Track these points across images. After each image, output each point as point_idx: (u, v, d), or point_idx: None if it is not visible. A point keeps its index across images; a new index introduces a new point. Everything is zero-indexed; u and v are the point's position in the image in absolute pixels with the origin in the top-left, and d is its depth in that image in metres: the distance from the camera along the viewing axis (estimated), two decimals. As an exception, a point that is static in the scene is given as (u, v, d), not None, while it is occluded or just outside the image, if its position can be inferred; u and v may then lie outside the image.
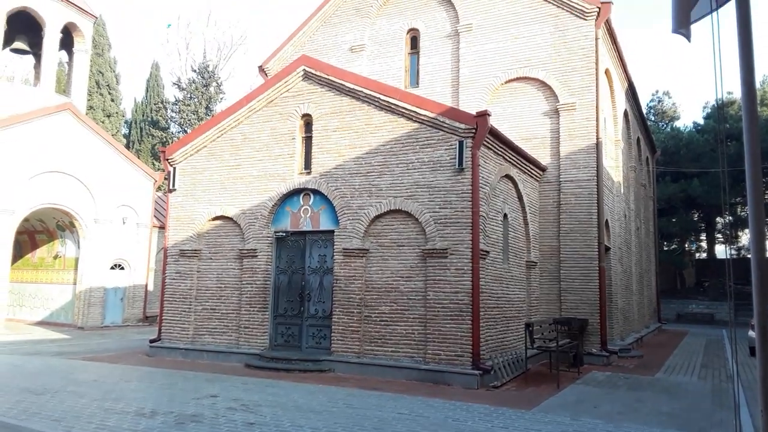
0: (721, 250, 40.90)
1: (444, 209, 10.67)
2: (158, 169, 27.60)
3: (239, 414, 7.53)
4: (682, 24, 3.55)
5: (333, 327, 11.49)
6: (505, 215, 12.24)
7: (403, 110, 11.27)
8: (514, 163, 12.62)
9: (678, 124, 42.80)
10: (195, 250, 13.32)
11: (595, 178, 13.89)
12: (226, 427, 6.83)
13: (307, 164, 12.42)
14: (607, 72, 15.83)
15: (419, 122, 11.13)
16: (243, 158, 13.05)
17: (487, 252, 10.87)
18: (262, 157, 12.81)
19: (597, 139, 13.97)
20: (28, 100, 19.23)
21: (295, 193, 12.43)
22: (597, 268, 13.63)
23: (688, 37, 3.61)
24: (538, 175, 14.17)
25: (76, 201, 20.12)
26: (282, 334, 12.27)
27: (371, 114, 11.68)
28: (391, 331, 10.91)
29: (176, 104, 40.02)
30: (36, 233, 22.30)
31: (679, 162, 34.15)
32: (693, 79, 73.95)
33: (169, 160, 13.96)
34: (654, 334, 21.86)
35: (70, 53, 21.73)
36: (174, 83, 39.79)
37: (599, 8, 14.08)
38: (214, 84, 39.76)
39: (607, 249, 15.05)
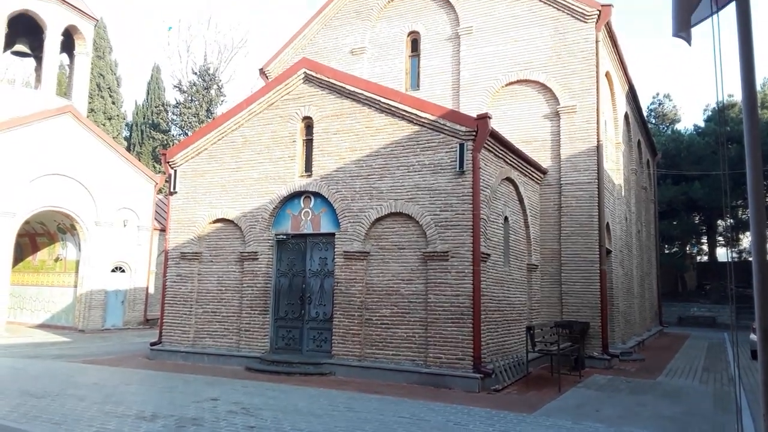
0: (722, 253, 40.88)
1: (445, 212, 10.67)
2: (159, 172, 27.62)
3: (240, 417, 7.51)
4: (683, 27, 3.55)
5: (334, 330, 11.48)
6: (506, 218, 12.23)
7: (404, 113, 11.27)
8: (515, 165, 12.61)
9: (679, 126, 42.85)
10: (196, 253, 13.31)
11: (596, 180, 13.88)
12: (226, 431, 6.82)
13: (308, 167, 12.43)
14: (607, 75, 15.84)
15: (420, 125, 11.13)
16: (244, 161, 13.05)
17: (488, 255, 10.86)
18: (263, 159, 12.82)
19: (598, 141, 13.97)
20: (29, 102, 19.26)
21: (296, 195, 12.43)
22: (598, 271, 13.61)
23: (688, 40, 3.61)
24: (538, 177, 14.16)
25: (76, 204, 20.13)
26: (283, 337, 12.26)
27: (372, 117, 11.68)
28: (392, 334, 10.89)
29: (177, 107, 40.06)
30: (37, 236, 22.31)
31: (680, 165, 34.13)
32: (694, 82, 74.00)
33: (170, 163, 13.97)
34: (655, 337, 21.82)
35: (71, 56, 21.77)
36: (175, 86, 39.84)
37: (600, 11, 14.09)
38: (215, 87, 39.80)
39: (608, 252, 15.04)
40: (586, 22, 14.29)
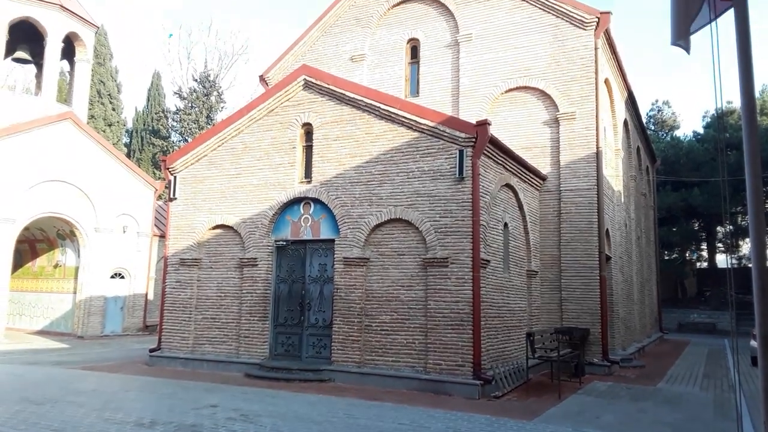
0: (722, 260, 40.85)
1: (444, 218, 10.67)
2: (159, 178, 27.63)
3: (239, 424, 7.49)
4: (681, 35, 3.56)
5: (333, 336, 11.46)
6: (506, 224, 12.23)
7: (404, 119, 11.30)
8: (515, 172, 12.63)
9: (678, 133, 42.90)
10: (195, 259, 13.31)
11: (596, 187, 13.90)
12: (225, 438, 6.79)
13: (308, 173, 12.44)
14: (606, 81, 15.88)
15: (419, 131, 11.15)
16: (243, 167, 13.07)
17: (488, 261, 10.85)
18: (263, 166, 12.83)
19: (597, 148, 14.00)
20: (30, 109, 19.30)
21: (296, 202, 12.44)
22: (598, 278, 13.60)
23: (687, 49, 3.62)
24: (538, 184, 14.18)
25: (76, 210, 20.13)
26: (282, 343, 12.23)
27: (372, 123, 11.71)
28: (392, 341, 10.87)
29: (177, 113, 40.11)
30: (36, 242, 22.30)
31: (680, 171, 34.15)
32: (692, 89, 74.20)
33: (170, 169, 13.98)
34: (656, 343, 21.77)
35: (71, 63, 21.83)
36: (175, 92, 39.91)
37: (598, 18, 14.15)
38: (215, 93, 39.88)
39: (608, 258, 15.03)
40: (585, 30, 14.34)
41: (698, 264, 42.67)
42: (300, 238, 12.33)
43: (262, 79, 18.76)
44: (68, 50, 21.19)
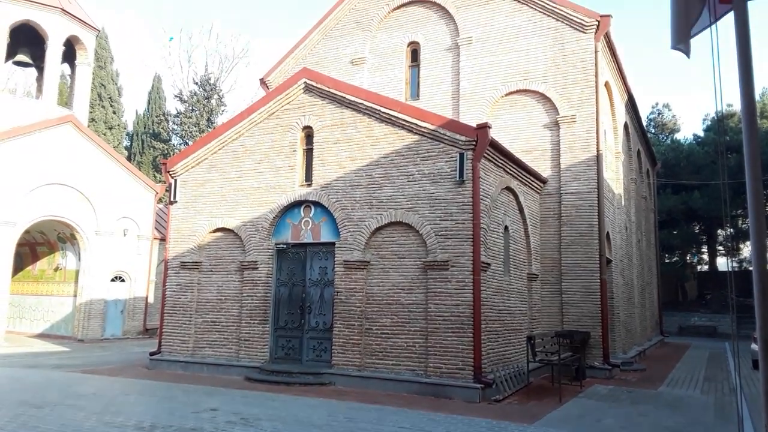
0: (722, 263, 40.79)
1: (445, 221, 10.67)
2: (159, 181, 27.65)
3: (239, 428, 7.48)
4: (681, 40, 3.56)
5: (334, 340, 11.44)
6: (506, 227, 12.23)
7: (404, 122, 11.31)
8: (515, 175, 12.63)
9: (678, 136, 42.93)
10: (195, 262, 13.30)
11: (596, 190, 13.90)
12: (225, 441, 6.78)
13: (308, 176, 12.44)
14: (606, 84, 15.90)
15: (420, 134, 11.16)
16: (244, 170, 13.07)
17: (488, 264, 10.85)
18: (263, 169, 12.84)
19: (597, 151, 14.00)
20: (31, 112, 19.32)
21: (296, 205, 12.44)
22: (598, 281, 13.59)
23: (687, 53, 3.62)
24: (538, 187, 14.18)
25: (77, 213, 20.14)
26: (282, 346, 12.22)
27: (372, 126, 11.72)
28: (392, 344, 10.86)
29: (178, 116, 40.19)
30: (37, 245, 22.30)
31: (680, 174, 34.16)
32: (693, 92, 74.23)
33: (171, 172, 13.99)
34: (656, 347, 21.75)
35: (72, 66, 21.87)
36: (176, 96, 40.00)
37: (598, 21, 14.17)
38: (216, 96, 39.95)
39: (609, 261, 15.02)
40: (585, 33, 14.36)
41: (699, 267, 42.65)
42: (300, 241, 12.33)
43: (262, 82, 18.79)
44: (69, 53, 21.23)
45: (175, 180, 13.88)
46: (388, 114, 11.48)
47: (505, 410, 9.32)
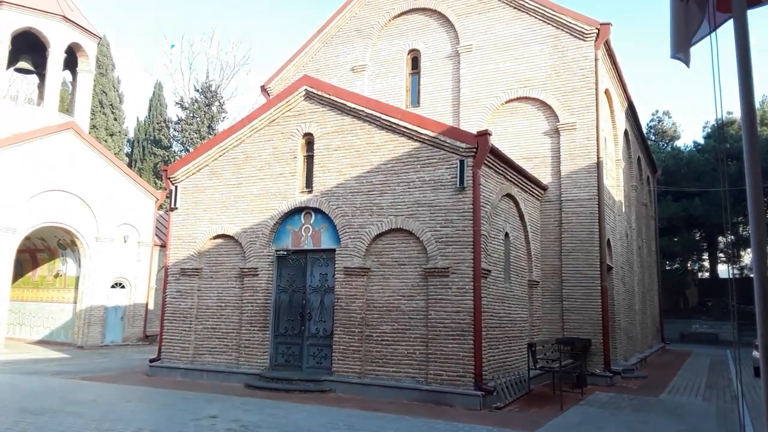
0: (723, 270, 40.75)
1: (445, 228, 10.67)
2: (160, 188, 27.67)
3: (239, 435, 7.44)
4: (681, 49, 3.57)
5: (334, 347, 11.42)
6: (507, 234, 12.22)
7: (404, 130, 11.33)
8: (515, 182, 12.64)
9: (678, 143, 42.99)
10: (196, 269, 13.30)
11: (596, 197, 13.90)
12: (225, 449, 6.75)
13: (309, 183, 12.46)
14: (606, 92, 15.93)
15: (420, 141, 11.18)
16: (244, 177, 13.09)
17: (489, 271, 10.84)
18: (264, 175, 12.85)
19: (597, 158, 14.01)
20: (32, 119, 19.38)
21: (297, 211, 12.44)
22: (599, 288, 13.57)
23: (687, 62, 3.63)
24: (539, 194, 14.18)
25: (77, 220, 20.14)
26: (282, 353, 12.19)
27: (372, 133, 11.74)
28: (393, 351, 10.83)
29: (179, 123, 40.25)
30: (37, 252, 22.29)
31: (680, 181, 34.18)
32: (693, 99, 74.39)
33: (171, 179, 14.00)
34: (657, 354, 21.69)
35: (73, 73, 21.94)
36: (177, 102, 40.08)
37: (598, 29, 14.21)
38: (217, 103, 40.03)
39: (609, 268, 15.00)
40: (585, 41, 14.41)
41: (700, 274, 42.59)
42: (301, 248, 12.33)
43: (263, 89, 18.84)
44: (70, 61, 21.29)
45: (176, 186, 13.90)
46: (388, 121, 11.51)
47: (506, 418, 9.29)
